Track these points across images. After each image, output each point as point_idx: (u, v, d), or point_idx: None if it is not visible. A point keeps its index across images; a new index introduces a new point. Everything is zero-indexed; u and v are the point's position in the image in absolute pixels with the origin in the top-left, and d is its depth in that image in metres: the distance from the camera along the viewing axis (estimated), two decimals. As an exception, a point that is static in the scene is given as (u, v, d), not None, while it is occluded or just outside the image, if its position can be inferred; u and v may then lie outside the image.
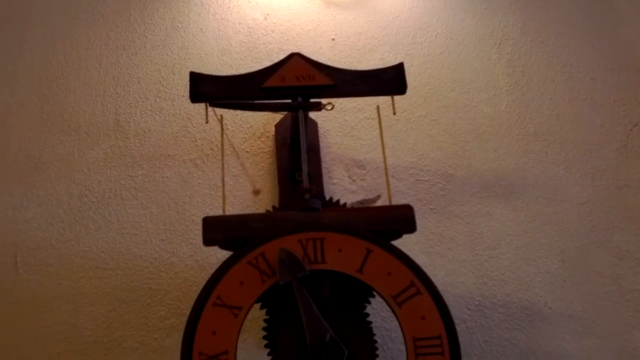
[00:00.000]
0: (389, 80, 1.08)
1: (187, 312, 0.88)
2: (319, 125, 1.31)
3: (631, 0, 1.55)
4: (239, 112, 1.33)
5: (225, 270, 0.90)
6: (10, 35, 1.42)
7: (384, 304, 0.91)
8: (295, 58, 1.07)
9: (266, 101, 1.07)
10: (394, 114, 1.09)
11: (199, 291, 0.89)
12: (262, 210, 1.22)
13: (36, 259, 1.20)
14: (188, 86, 1.06)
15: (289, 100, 1.07)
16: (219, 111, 1.09)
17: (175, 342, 1.13)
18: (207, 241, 0.94)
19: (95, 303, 1.17)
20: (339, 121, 1.34)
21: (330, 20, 1.46)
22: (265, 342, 0.95)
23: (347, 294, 0.94)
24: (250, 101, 1.07)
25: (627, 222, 1.31)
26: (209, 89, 1.05)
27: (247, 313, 0.88)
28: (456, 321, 1.14)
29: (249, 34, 1.43)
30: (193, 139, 1.31)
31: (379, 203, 1.27)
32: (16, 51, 1.40)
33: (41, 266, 1.19)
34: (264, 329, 0.96)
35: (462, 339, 1.16)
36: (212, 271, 0.91)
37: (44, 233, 1.22)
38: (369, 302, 0.97)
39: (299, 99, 1.06)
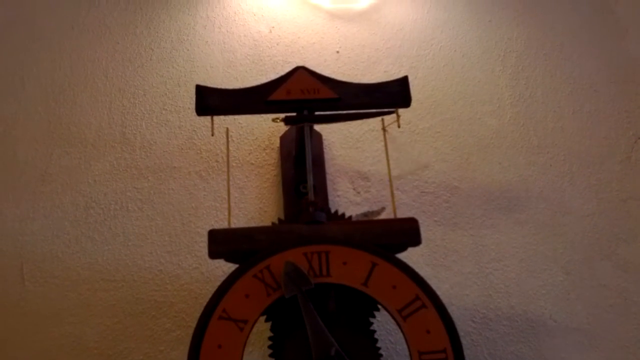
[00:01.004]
0: (393, 94, 1.09)
1: (193, 324, 0.89)
2: (324, 137, 1.32)
3: (635, 13, 1.56)
4: (244, 124, 1.34)
5: (230, 283, 0.90)
6: (17, 47, 1.43)
7: (389, 316, 0.91)
8: (300, 71, 1.08)
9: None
10: (399, 127, 1.10)
11: (204, 303, 0.90)
12: (267, 223, 1.23)
13: (42, 271, 1.20)
14: (193, 99, 1.07)
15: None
16: (222, 123, 1.10)
17: (180, 354, 1.13)
18: (213, 254, 0.94)
19: (101, 315, 1.17)
20: (344, 133, 1.35)
21: (335, 33, 1.47)
22: (271, 355, 0.95)
23: (352, 308, 0.95)
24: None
25: (632, 234, 1.31)
26: (215, 102, 1.06)
27: (252, 326, 0.89)
28: (461, 334, 1.14)
29: (254, 47, 1.44)
30: (199, 151, 1.32)
31: (383, 215, 1.27)
32: (23, 63, 1.41)
33: (47, 278, 1.20)
34: (269, 340, 0.96)
35: (467, 351, 1.15)
36: (217, 283, 0.92)
37: (50, 245, 1.22)
38: (374, 316, 0.97)
39: (305, 112, 1.07)
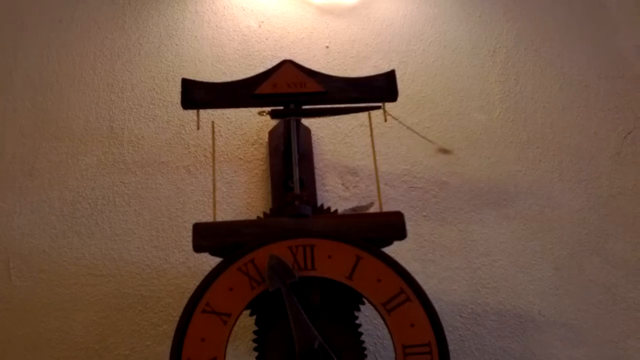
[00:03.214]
0: (380, 88, 1.08)
1: (179, 319, 0.88)
2: (312, 132, 1.31)
3: (625, 8, 1.55)
4: (232, 119, 1.33)
5: (214, 276, 0.90)
6: (5, 41, 1.42)
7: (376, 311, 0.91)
8: (286, 65, 1.08)
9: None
10: (385, 120, 1.10)
11: (190, 298, 0.89)
12: (255, 217, 1.22)
13: (29, 266, 1.20)
14: (181, 93, 1.07)
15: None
16: (211, 117, 1.10)
17: (167, 349, 1.12)
18: (197, 247, 0.94)
19: (88, 310, 1.17)
20: (332, 128, 1.35)
21: (324, 28, 1.46)
22: (255, 349, 0.95)
23: (336, 301, 0.94)
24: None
25: (620, 229, 1.30)
26: (201, 96, 1.05)
27: (236, 320, 0.88)
28: (449, 329, 1.15)
29: (243, 42, 1.43)
30: (187, 146, 1.31)
31: (371, 210, 1.27)
32: (11, 58, 1.40)
33: (33, 273, 1.19)
34: (254, 334, 0.95)
35: (455, 346, 1.16)
36: (204, 278, 0.91)
37: (37, 240, 1.22)
38: (359, 309, 0.97)
39: (291, 106, 1.06)
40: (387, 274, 0.91)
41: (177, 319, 0.89)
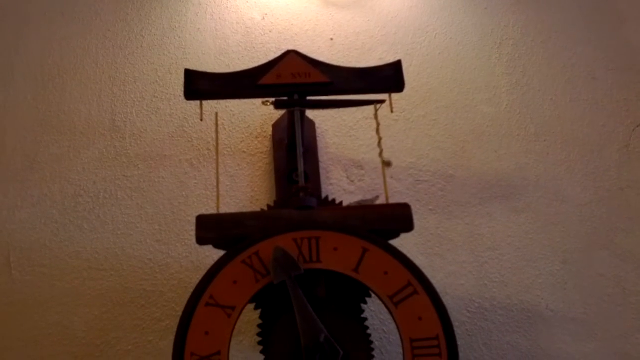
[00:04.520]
0: (386, 78, 1.06)
1: (182, 313, 0.87)
2: (317, 125, 1.30)
3: (633, 0, 1.53)
4: (236, 112, 1.32)
5: (218, 269, 0.88)
6: (6, 34, 1.41)
7: (383, 305, 0.89)
8: (291, 55, 1.06)
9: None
10: (392, 111, 1.08)
11: (194, 292, 0.88)
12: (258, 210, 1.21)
13: (30, 260, 1.18)
14: (184, 85, 1.05)
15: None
16: (214, 110, 1.08)
17: (169, 344, 1.11)
18: (201, 240, 0.92)
19: (89, 304, 1.15)
20: (337, 121, 1.33)
21: (329, 20, 1.44)
22: (260, 342, 0.93)
23: (343, 294, 0.93)
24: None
25: (629, 223, 1.29)
26: (204, 86, 1.04)
27: (240, 313, 0.87)
28: (456, 324, 1.13)
29: (247, 34, 1.42)
30: (190, 139, 1.30)
31: (378, 203, 1.25)
32: (12, 50, 1.39)
33: (35, 267, 1.18)
34: (258, 327, 0.94)
35: (462, 341, 1.14)
36: (208, 272, 0.90)
37: (38, 234, 1.21)
38: (365, 302, 0.95)
39: (296, 97, 1.05)
40: (394, 266, 0.89)
41: (180, 314, 0.87)
